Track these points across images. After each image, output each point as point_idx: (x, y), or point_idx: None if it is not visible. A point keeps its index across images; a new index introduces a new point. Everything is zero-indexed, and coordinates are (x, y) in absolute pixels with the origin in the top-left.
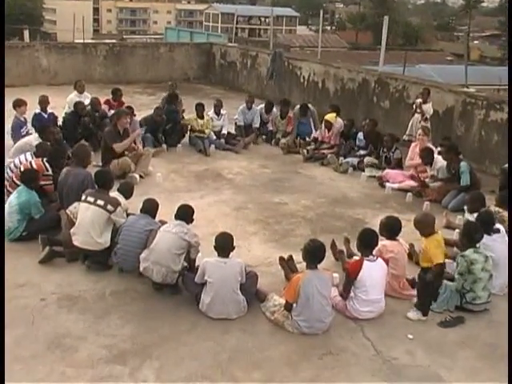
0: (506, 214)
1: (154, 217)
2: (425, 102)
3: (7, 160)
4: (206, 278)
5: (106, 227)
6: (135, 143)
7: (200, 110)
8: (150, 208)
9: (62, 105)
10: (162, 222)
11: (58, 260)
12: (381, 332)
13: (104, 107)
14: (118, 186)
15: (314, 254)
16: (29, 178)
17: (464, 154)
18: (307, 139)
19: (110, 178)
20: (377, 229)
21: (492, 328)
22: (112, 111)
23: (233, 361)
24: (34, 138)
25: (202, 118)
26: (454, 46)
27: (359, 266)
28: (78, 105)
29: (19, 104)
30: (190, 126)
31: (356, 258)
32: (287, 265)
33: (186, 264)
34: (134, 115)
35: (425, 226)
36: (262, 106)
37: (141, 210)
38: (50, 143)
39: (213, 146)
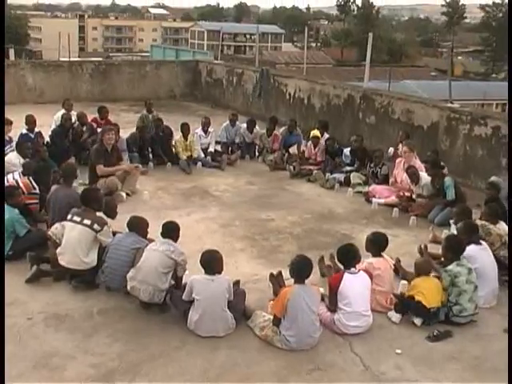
0: (491, 226)
1: (142, 234)
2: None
3: None
4: (193, 296)
5: (92, 247)
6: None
7: (186, 129)
8: (137, 225)
9: (48, 123)
10: (150, 240)
11: (45, 279)
12: (369, 347)
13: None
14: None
15: (300, 269)
16: (8, 193)
17: (449, 169)
18: (294, 155)
19: (97, 198)
20: (363, 244)
21: (480, 341)
22: (99, 129)
23: (222, 377)
24: (13, 156)
25: (186, 139)
26: (437, 61)
27: (340, 278)
28: (64, 115)
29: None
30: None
31: None
32: (277, 281)
33: (173, 282)
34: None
35: (416, 269)
36: (245, 125)
37: (128, 228)
38: (36, 160)
39: (199, 163)
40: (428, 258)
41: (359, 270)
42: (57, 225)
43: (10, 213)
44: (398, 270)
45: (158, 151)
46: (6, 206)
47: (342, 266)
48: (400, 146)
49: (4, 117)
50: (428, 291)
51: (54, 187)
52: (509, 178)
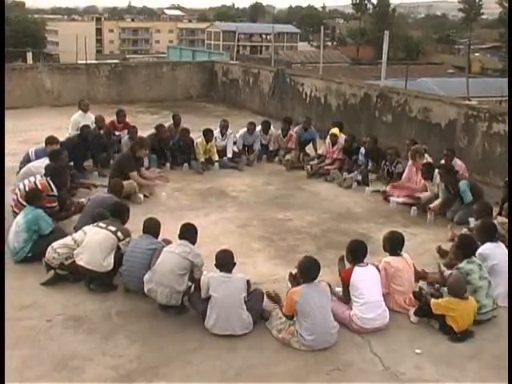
0: None
1: (156, 236)
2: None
3: (16, 182)
4: (210, 293)
5: (110, 253)
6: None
7: (209, 136)
8: (152, 227)
9: (66, 125)
10: (166, 241)
11: (63, 280)
12: (388, 347)
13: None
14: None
15: (308, 270)
16: (33, 196)
17: (467, 166)
18: (311, 155)
19: (127, 212)
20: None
21: (500, 340)
22: (117, 133)
23: (240, 378)
24: (45, 164)
25: (208, 143)
26: (455, 58)
27: (350, 271)
28: (84, 129)
29: (51, 142)
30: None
31: None
32: (295, 281)
33: (190, 284)
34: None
35: (449, 289)
36: (260, 127)
37: (143, 231)
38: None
39: (216, 164)
40: (459, 276)
41: (367, 264)
42: (80, 232)
43: (33, 211)
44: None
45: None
46: (29, 206)
47: (349, 265)
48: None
49: (4, 118)
50: (462, 318)
51: (98, 193)
52: (508, 176)
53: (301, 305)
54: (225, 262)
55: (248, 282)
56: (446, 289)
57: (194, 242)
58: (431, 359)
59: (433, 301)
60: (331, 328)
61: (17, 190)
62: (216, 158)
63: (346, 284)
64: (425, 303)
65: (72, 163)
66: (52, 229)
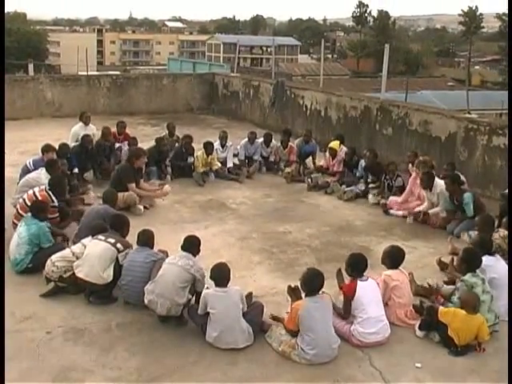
0: None
1: (151, 246)
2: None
3: (15, 195)
4: (208, 310)
5: (110, 264)
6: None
7: (210, 149)
8: (147, 239)
9: (66, 137)
10: (162, 252)
11: (63, 292)
12: (389, 361)
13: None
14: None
15: (311, 282)
16: (38, 208)
17: (468, 180)
18: (311, 167)
19: (126, 224)
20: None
21: (500, 354)
22: (117, 144)
23: None
24: (43, 174)
25: (208, 156)
26: (455, 71)
27: (354, 285)
28: (85, 138)
29: (48, 150)
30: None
31: None
32: (294, 294)
33: (190, 296)
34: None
35: (462, 302)
36: (261, 139)
37: (138, 243)
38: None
39: (212, 175)
40: (474, 294)
41: (368, 278)
42: (79, 244)
43: (37, 224)
44: (411, 285)
45: (176, 163)
46: (33, 219)
47: (349, 277)
48: (410, 165)
49: (4, 120)
50: (464, 332)
51: (92, 206)
52: (508, 181)
53: (304, 318)
54: (220, 275)
55: (250, 294)
56: (454, 299)
57: (195, 254)
58: (431, 373)
59: (441, 308)
60: (333, 343)
61: (20, 200)
62: (218, 165)
63: (349, 298)
64: (429, 313)
65: (76, 170)
66: (51, 244)
